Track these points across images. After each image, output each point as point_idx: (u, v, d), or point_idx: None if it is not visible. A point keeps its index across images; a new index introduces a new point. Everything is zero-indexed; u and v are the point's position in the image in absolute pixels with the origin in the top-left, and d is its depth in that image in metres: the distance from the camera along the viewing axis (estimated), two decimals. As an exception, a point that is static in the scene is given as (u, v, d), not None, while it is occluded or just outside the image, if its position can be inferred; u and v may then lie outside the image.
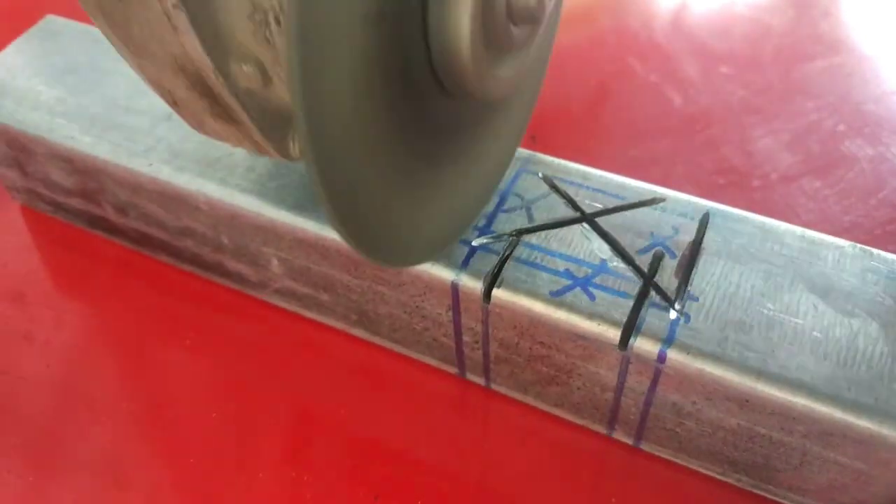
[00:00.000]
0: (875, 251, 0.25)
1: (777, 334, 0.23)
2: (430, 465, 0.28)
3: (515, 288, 0.25)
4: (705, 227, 0.26)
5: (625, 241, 0.26)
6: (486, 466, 0.27)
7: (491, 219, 0.27)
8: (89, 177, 0.31)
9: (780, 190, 0.36)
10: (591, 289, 0.25)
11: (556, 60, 0.31)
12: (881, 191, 0.35)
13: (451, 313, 0.27)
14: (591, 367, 0.25)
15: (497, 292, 0.25)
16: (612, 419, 0.27)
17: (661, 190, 0.28)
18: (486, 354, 0.27)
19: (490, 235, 0.26)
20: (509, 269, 0.25)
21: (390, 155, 0.21)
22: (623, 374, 0.25)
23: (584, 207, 0.27)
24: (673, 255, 0.25)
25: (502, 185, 0.28)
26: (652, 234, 0.26)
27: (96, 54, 0.33)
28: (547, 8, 0.22)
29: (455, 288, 0.26)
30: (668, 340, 0.23)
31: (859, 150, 0.37)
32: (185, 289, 0.33)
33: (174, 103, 0.24)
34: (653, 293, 0.24)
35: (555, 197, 0.27)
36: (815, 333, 0.23)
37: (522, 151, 0.29)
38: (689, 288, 0.25)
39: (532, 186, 0.28)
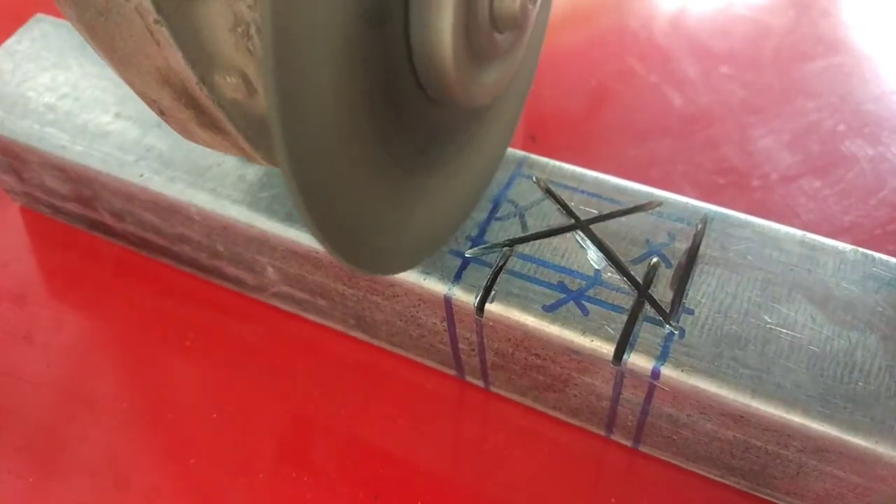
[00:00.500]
0: (877, 256, 0.25)
1: (773, 349, 0.23)
2: (430, 465, 0.28)
3: (508, 302, 0.25)
4: (702, 234, 0.26)
5: (620, 249, 0.25)
6: (486, 467, 0.27)
7: (484, 227, 0.26)
8: (83, 185, 0.31)
9: (780, 190, 0.35)
10: (584, 302, 0.24)
11: (556, 61, 0.30)
12: (881, 191, 0.35)
13: (445, 324, 0.26)
14: (586, 379, 0.25)
15: (490, 307, 0.25)
16: (610, 424, 0.27)
17: (658, 193, 0.27)
18: (483, 361, 0.27)
19: (483, 246, 0.26)
20: (502, 283, 0.25)
21: (371, 163, 0.20)
22: (618, 387, 0.25)
23: (578, 213, 0.26)
24: (669, 265, 0.25)
25: (496, 191, 0.27)
26: (647, 241, 0.26)
27: (85, 57, 0.33)
28: (531, 13, 0.21)
29: (448, 301, 0.25)
30: (662, 357, 0.23)
31: (859, 150, 0.37)
32: (184, 290, 0.33)
33: (161, 113, 0.24)
34: (647, 306, 0.24)
35: (549, 203, 0.27)
36: (811, 348, 0.23)
37: (517, 154, 0.28)
38: (684, 300, 0.24)
39: (526, 191, 0.27)
